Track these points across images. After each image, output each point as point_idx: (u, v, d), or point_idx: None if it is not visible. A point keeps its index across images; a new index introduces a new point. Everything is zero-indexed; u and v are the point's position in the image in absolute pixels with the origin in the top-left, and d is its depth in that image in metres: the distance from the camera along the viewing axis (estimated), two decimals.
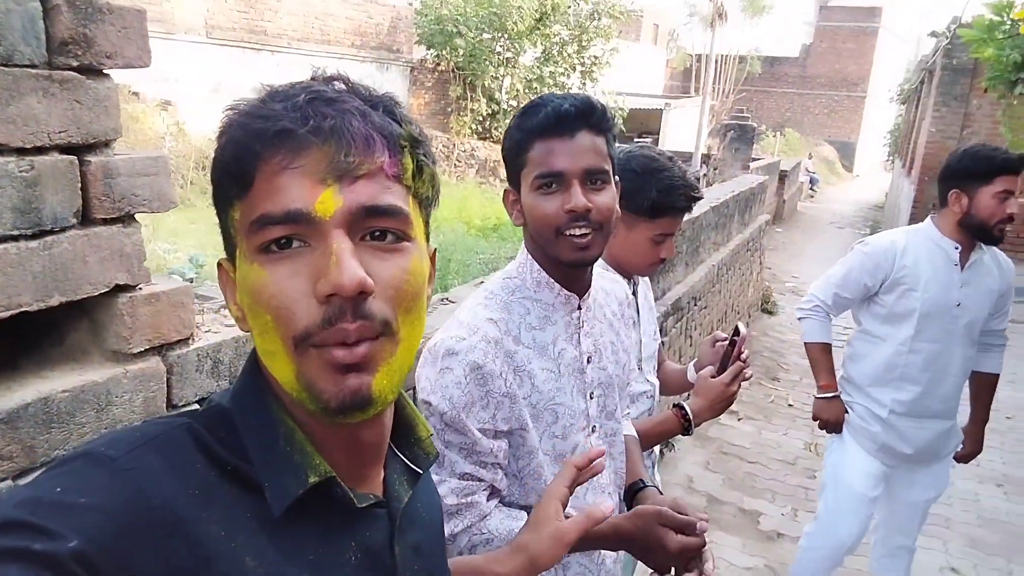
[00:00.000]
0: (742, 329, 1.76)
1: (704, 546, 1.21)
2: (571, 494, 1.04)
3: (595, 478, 1.28)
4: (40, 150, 1.02)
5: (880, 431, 2.68)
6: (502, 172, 1.37)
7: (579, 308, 1.36)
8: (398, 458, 0.78)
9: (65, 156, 1.06)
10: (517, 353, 1.26)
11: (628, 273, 1.87)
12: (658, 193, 1.75)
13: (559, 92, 1.31)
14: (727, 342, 1.78)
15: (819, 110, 36.74)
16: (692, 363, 1.96)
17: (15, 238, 1.00)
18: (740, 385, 1.73)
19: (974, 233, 2.49)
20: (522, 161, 1.28)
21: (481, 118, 16.81)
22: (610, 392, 1.41)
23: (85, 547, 0.51)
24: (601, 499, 1.38)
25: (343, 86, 0.66)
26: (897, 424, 2.66)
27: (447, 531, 1.18)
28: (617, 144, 1.39)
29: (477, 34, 16.10)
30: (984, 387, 2.84)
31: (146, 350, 1.21)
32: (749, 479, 4.34)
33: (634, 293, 1.88)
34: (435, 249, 0.77)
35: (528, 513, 1.19)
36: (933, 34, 13.20)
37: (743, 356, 1.74)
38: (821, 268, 12.14)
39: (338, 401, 0.62)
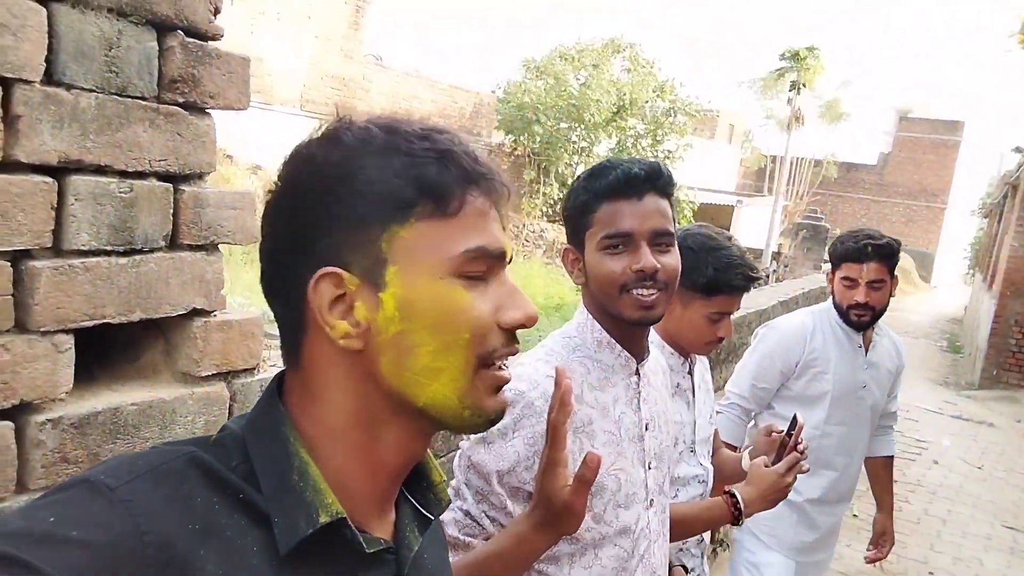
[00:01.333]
0: (799, 419, 1.71)
1: None
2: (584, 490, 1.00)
3: (647, 556, 1.31)
4: (140, 175, 1.10)
5: (793, 521, 2.58)
6: None
7: (637, 373, 1.35)
8: (408, 502, 0.77)
9: (162, 183, 1.14)
10: (580, 412, 1.24)
11: (685, 352, 1.85)
12: (715, 271, 1.75)
13: (626, 156, 1.39)
14: (784, 432, 1.73)
15: (896, 218, 36.09)
16: (747, 451, 1.91)
17: (108, 253, 1.07)
18: (795, 477, 1.67)
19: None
20: (588, 221, 1.30)
21: (552, 201, 17.15)
22: (663, 464, 1.39)
23: None
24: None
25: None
26: (811, 511, 2.59)
27: None
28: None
29: (555, 123, 16.60)
30: (886, 472, 2.85)
31: (213, 375, 1.26)
32: None
33: (690, 372, 1.86)
34: None
35: None
36: (1017, 149, 13.01)
37: (800, 447, 1.68)
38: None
39: (496, 412, 0.71)
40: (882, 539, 2.79)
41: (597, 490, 1.23)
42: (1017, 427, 8.94)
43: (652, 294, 1.26)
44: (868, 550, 2.79)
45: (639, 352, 1.36)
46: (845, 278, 2.43)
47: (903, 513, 5.47)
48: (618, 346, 1.33)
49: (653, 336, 1.75)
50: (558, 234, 15.96)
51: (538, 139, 16.71)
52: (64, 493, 0.57)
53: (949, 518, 5.50)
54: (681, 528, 1.64)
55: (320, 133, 0.69)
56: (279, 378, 0.71)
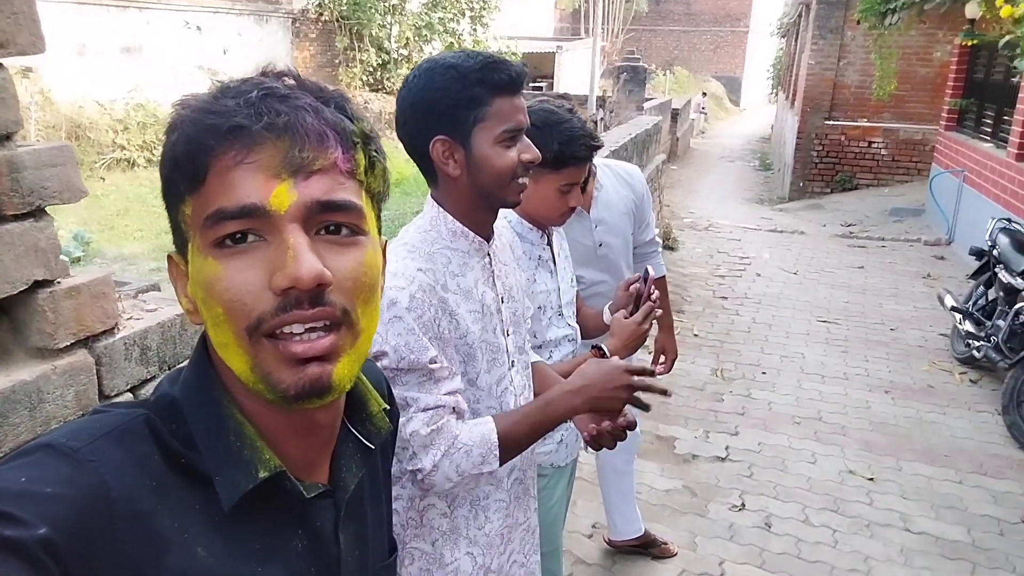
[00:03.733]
0: (650, 271, 1.87)
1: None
2: None
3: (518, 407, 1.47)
4: None
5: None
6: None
7: (488, 254, 1.46)
8: (351, 434, 0.80)
9: None
10: (448, 299, 1.35)
11: (542, 225, 1.93)
12: (560, 145, 1.82)
13: (491, 52, 1.41)
14: (639, 283, 1.88)
15: (705, 47, 37.58)
16: (607, 306, 2.06)
17: None
18: (651, 324, 1.84)
19: None
20: (479, 114, 1.33)
21: (371, 69, 16.34)
22: (519, 329, 1.54)
23: (52, 535, 0.53)
24: None
25: (292, 81, 0.67)
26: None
27: (427, 463, 1.28)
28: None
29: None
30: (661, 292, 2.69)
31: (72, 344, 1.19)
32: (662, 407, 4.56)
33: (549, 244, 1.95)
34: (387, 241, 0.78)
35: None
36: None
37: (652, 296, 1.85)
38: (715, 202, 12.60)
39: (297, 389, 0.63)
40: (664, 355, 2.75)
41: (469, 359, 1.39)
42: (822, 231, 10.04)
43: (526, 180, 1.41)
44: (654, 366, 2.63)
45: (488, 235, 1.46)
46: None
47: (735, 324, 6.13)
48: (471, 233, 1.43)
49: (507, 213, 1.85)
50: (385, 104, 15.35)
51: (345, 1, 15.61)
52: (29, 457, 0.58)
53: (774, 322, 6.22)
54: None
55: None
56: (204, 336, 0.71)
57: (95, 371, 1.24)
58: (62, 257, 1.15)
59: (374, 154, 0.70)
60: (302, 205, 0.63)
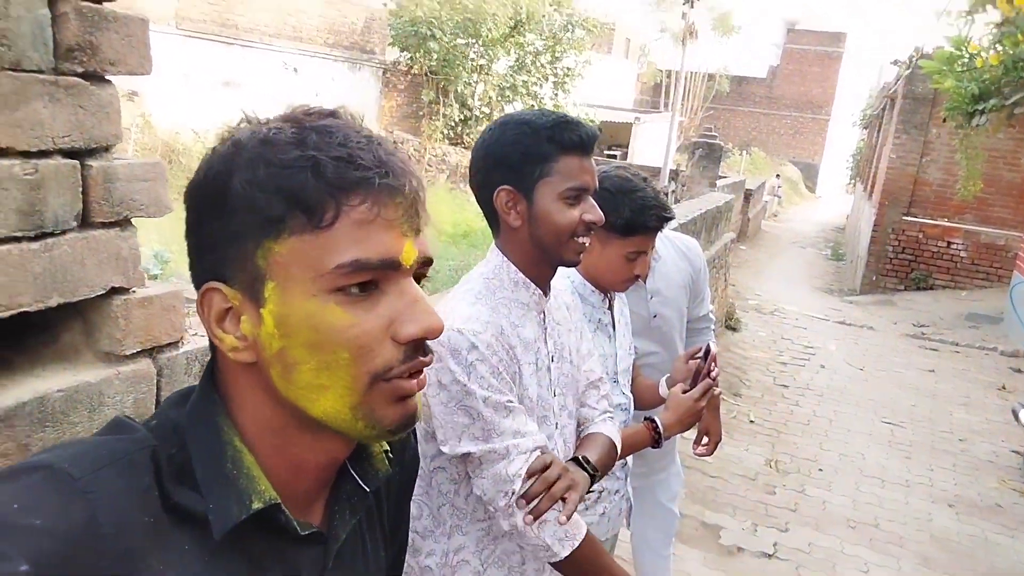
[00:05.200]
0: (712, 347, 1.83)
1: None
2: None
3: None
4: (44, 154, 1.01)
5: None
6: None
7: (544, 310, 1.47)
8: (348, 476, 0.78)
9: (68, 160, 1.05)
10: (514, 349, 1.38)
11: (604, 289, 1.93)
12: (631, 212, 1.82)
13: (567, 113, 1.44)
14: (699, 358, 1.84)
15: (784, 131, 37.52)
16: (664, 379, 2.01)
17: (18, 239, 0.99)
18: (708, 401, 1.81)
19: None
20: (545, 170, 1.37)
21: (453, 123, 16.83)
22: (567, 392, 1.52)
23: (33, 571, 0.52)
24: None
25: (365, 129, 0.70)
26: None
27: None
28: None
29: (451, 39, 16.12)
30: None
31: (138, 352, 1.21)
32: (711, 493, 4.41)
33: (610, 308, 1.93)
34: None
35: None
36: (895, 63, 13.61)
37: (712, 373, 1.81)
38: (783, 286, 12.34)
39: (398, 424, 0.68)
40: (707, 437, 2.55)
41: (530, 413, 1.39)
42: (893, 329, 9.72)
43: (587, 241, 1.41)
44: (694, 448, 2.49)
45: (546, 291, 1.47)
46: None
47: (794, 415, 5.92)
48: (532, 285, 1.44)
49: (570, 273, 1.86)
50: (461, 158, 15.74)
51: (435, 56, 16.19)
52: (27, 478, 0.58)
53: (835, 418, 5.99)
54: None
55: (219, 140, 0.68)
56: (212, 365, 0.71)
57: (155, 381, 1.26)
58: (140, 268, 1.19)
59: None
60: (419, 261, 0.68)
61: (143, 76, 1.14)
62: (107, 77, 1.10)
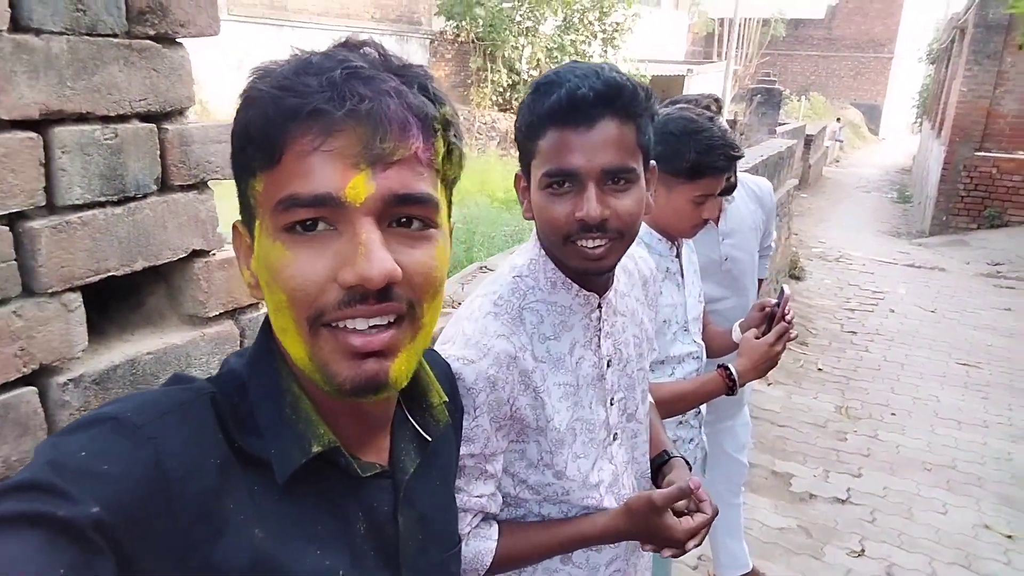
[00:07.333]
0: (786, 290, 1.78)
1: (713, 516, 1.13)
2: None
3: (618, 488, 1.23)
4: (122, 118, 1.06)
5: None
6: None
7: (599, 307, 1.21)
8: (407, 423, 0.78)
9: (145, 124, 1.09)
10: (533, 373, 1.11)
11: (672, 236, 1.87)
12: (697, 154, 1.73)
13: (580, 63, 1.09)
14: (774, 304, 1.80)
15: (845, 73, 36.00)
16: (737, 324, 1.98)
17: (103, 204, 1.05)
18: (784, 345, 1.75)
19: None
20: (533, 148, 1.09)
21: (502, 89, 16.69)
22: (631, 393, 1.27)
23: (104, 515, 0.53)
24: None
25: (375, 54, 0.64)
26: None
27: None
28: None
29: (497, 3, 15.92)
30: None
31: (221, 314, 1.26)
32: (780, 442, 4.37)
33: (678, 256, 1.90)
34: (452, 225, 0.75)
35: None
36: None
37: (788, 317, 1.75)
38: (848, 233, 11.98)
39: (352, 384, 0.62)
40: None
41: (556, 446, 1.15)
42: (966, 269, 9.35)
43: (600, 245, 1.08)
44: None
45: (601, 286, 1.20)
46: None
47: (864, 361, 5.79)
48: (575, 286, 1.17)
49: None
50: (511, 123, 15.55)
51: (481, 22, 16.03)
52: (93, 429, 0.58)
53: (907, 361, 5.83)
54: (681, 404, 1.73)
55: None
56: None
57: (239, 342, 1.31)
58: (219, 230, 1.24)
59: (453, 140, 0.67)
60: (379, 198, 0.60)
61: (212, 36, 1.15)
62: (178, 39, 1.12)
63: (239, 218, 0.69)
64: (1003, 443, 4.49)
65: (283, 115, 0.59)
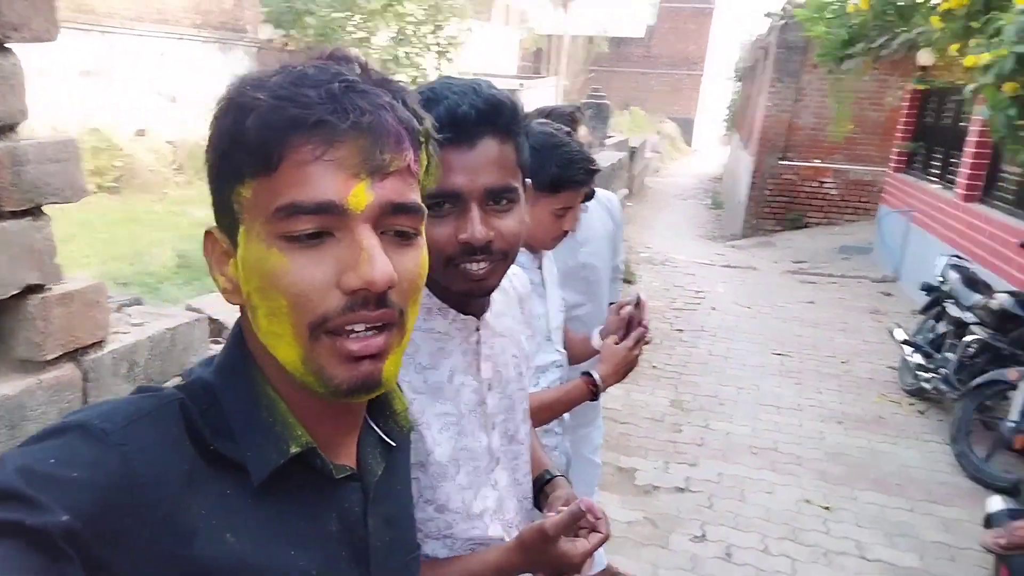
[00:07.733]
0: (642, 298, 1.86)
1: (607, 537, 1.12)
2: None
3: (502, 513, 1.19)
4: None
5: None
6: None
7: (477, 330, 1.17)
8: (372, 431, 0.81)
9: None
10: (413, 404, 1.05)
11: (534, 248, 1.92)
12: (558, 168, 1.78)
13: (454, 78, 1.05)
14: (632, 307, 1.86)
15: (662, 88, 38.41)
16: (596, 331, 2.02)
17: None
18: (641, 349, 1.83)
19: None
20: None
21: None
22: (512, 415, 1.23)
23: (74, 523, 0.53)
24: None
25: (358, 68, 0.67)
26: None
27: None
28: None
29: (328, 12, 15.58)
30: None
31: (60, 356, 1.16)
32: (623, 439, 4.60)
33: (540, 267, 1.95)
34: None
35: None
36: (769, 15, 14.20)
37: (644, 321, 1.83)
38: (670, 238, 12.72)
39: (349, 385, 0.65)
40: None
41: (438, 479, 1.10)
42: (774, 267, 10.29)
43: (484, 267, 1.04)
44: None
45: (479, 309, 1.16)
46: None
47: (692, 356, 6.23)
48: (451, 311, 1.14)
49: None
50: None
51: (312, 32, 15.62)
52: (60, 437, 0.58)
53: (730, 354, 6.34)
54: (548, 413, 1.78)
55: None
56: (240, 320, 0.72)
57: (82, 387, 1.21)
58: (56, 261, 1.14)
59: (431, 153, 0.72)
60: (377, 206, 0.64)
61: (48, 42, 1.06)
62: (7, 46, 1.03)
63: (211, 227, 0.69)
64: (815, 424, 4.99)
65: (285, 124, 0.61)
